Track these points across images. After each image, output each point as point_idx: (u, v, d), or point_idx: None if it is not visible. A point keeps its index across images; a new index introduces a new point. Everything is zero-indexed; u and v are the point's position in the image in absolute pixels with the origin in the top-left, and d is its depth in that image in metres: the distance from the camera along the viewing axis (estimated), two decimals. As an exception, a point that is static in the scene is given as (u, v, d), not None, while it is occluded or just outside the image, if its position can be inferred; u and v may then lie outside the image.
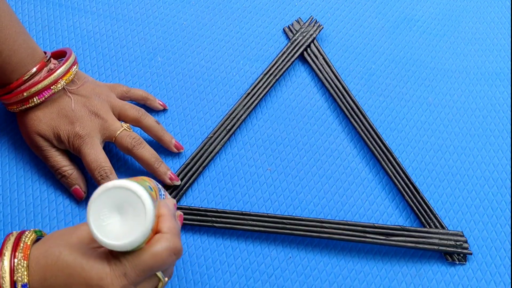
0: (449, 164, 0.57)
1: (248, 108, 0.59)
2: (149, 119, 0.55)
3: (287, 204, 0.55)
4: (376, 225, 0.52)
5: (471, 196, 0.55)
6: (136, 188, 0.35)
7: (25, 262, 0.37)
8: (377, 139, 0.57)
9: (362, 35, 0.65)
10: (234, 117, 0.58)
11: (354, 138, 0.58)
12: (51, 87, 0.51)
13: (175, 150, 0.56)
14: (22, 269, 0.37)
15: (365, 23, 0.66)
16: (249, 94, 0.60)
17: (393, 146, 0.58)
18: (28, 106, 0.51)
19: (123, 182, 0.35)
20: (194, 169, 0.56)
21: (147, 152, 0.53)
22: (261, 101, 0.60)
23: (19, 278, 0.36)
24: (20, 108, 0.51)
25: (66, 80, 0.52)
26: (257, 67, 0.62)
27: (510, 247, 0.52)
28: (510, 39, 0.64)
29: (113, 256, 0.37)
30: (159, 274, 0.39)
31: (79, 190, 0.53)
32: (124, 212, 0.35)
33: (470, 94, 0.61)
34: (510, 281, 0.51)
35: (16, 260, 0.37)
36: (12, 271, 0.37)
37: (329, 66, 0.61)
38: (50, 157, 0.53)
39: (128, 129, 0.53)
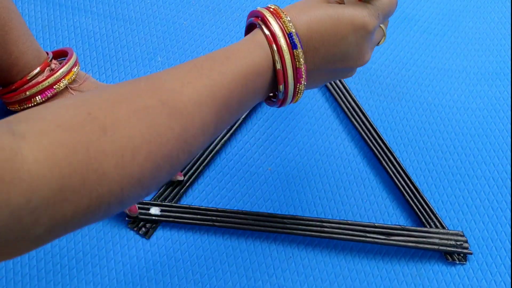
0: (449, 164, 0.57)
1: (248, 108, 0.59)
2: None
3: (287, 204, 0.55)
4: (376, 224, 0.52)
5: (471, 196, 0.55)
6: None
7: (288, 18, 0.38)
8: (377, 138, 0.57)
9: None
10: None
11: (355, 138, 0.58)
12: (54, 87, 0.51)
13: None
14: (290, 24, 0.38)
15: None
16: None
17: (393, 145, 0.58)
18: (30, 105, 0.51)
19: None
20: (194, 168, 0.56)
21: None
22: (262, 101, 0.60)
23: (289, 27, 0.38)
24: (21, 107, 0.51)
25: (68, 79, 0.52)
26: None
27: (510, 246, 0.52)
28: (510, 39, 0.65)
29: (365, 3, 0.40)
30: (383, 27, 0.44)
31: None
32: None
33: (470, 94, 0.61)
34: (510, 280, 0.51)
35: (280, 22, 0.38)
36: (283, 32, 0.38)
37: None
38: None
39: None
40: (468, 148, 0.58)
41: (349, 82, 0.61)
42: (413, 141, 0.58)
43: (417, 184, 0.55)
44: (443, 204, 0.55)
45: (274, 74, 0.38)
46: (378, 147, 0.57)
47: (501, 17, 0.66)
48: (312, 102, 0.60)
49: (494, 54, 0.64)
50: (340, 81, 0.60)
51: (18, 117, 0.28)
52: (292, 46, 0.38)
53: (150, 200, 0.54)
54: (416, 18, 0.66)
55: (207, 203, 0.55)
